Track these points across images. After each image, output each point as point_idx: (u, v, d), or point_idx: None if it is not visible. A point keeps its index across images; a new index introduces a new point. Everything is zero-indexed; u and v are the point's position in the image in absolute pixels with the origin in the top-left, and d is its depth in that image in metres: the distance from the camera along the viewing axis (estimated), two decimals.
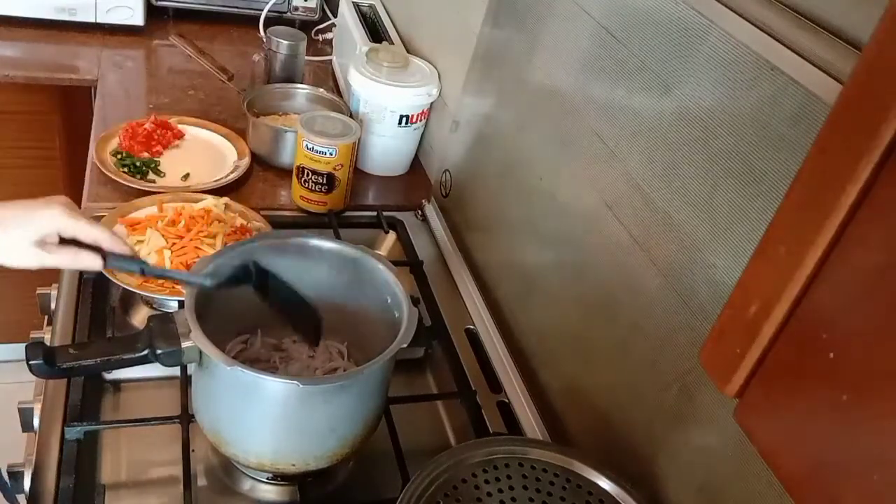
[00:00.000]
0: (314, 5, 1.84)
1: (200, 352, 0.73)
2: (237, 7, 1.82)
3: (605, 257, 0.85)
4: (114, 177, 1.21)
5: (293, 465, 0.79)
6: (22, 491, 0.82)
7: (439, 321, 1.09)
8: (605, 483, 0.73)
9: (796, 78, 0.60)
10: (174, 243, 1.04)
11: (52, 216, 0.74)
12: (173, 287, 1.00)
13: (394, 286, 0.85)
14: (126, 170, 1.24)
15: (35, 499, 0.78)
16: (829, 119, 0.33)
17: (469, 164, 1.23)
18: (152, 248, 1.02)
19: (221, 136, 1.39)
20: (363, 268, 0.88)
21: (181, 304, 0.76)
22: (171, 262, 1.01)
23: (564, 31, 0.94)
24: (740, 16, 0.65)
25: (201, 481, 0.86)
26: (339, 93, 1.63)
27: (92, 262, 0.76)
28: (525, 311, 1.04)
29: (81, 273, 1.04)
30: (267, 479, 0.86)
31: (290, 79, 1.52)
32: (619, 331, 0.83)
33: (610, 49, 0.84)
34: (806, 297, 0.34)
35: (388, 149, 1.41)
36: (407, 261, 1.20)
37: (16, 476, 0.82)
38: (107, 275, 0.98)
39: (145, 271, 0.80)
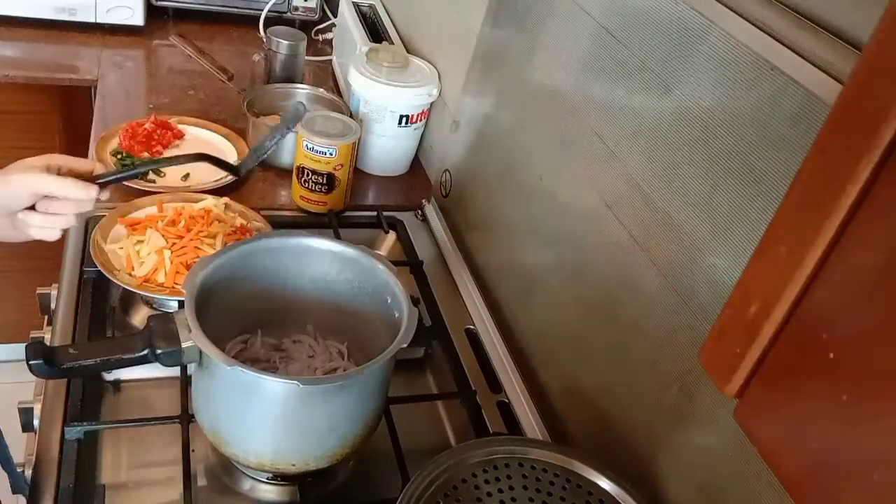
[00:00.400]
0: (314, 5, 1.84)
1: (200, 352, 0.73)
2: (237, 7, 1.82)
3: (605, 257, 0.85)
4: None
5: (293, 465, 0.79)
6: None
7: (439, 321, 1.09)
8: (605, 483, 0.73)
9: (796, 78, 0.60)
10: (174, 243, 1.04)
11: (27, 186, 0.75)
12: (173, 287, 1.00)
13: (394, 286, 0.85)
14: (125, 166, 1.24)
15: (35, 499, 0.78)
16: (829, 119, 0.33)
17: (469, 164, 1.23)
18: (152, 248, 1.02)
19: (221, 136, 1.39)
20: (363, 268, 0.88)
21: (181, 304, 0.76)
22: (171, 262, 1.01)
23: (564, 31, 0.94)
24: (740, 16, 0.65)
25: (201, 481, 0.86)
26: (339, 93, 1.63)
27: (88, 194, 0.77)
28: (525, 311, 1.04)
29: (81, 273, 1.04)
30: (267, 479, 0.86)
31: (290, 79, 1.52)
32: (619, 331, 0.83)
33: (610, 49, 0.84)
34: (806, 297, 0.34)
35: (388, 149, 1.41)
36: (407, 261, 1.20)
37: None
38: (106, 274, 0.98)
39: (135, 164, 0.97)
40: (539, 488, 0.71)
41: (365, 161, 1.41)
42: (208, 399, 0.80)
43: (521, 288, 1.06)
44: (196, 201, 1.14)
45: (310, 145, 1.19)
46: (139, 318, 1.04)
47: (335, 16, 1.80)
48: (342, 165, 1.21)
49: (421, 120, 1.39)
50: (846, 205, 0.32)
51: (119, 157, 1.27)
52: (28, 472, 0.81)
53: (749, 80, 0.65)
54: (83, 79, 1.59)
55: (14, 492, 0.86)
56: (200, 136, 1.39)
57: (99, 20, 1.69)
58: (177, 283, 1.00)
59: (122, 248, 1.04)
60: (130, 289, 0.98)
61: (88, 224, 1.11)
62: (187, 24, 1.82)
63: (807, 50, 0.59)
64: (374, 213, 1.29)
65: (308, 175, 1.22)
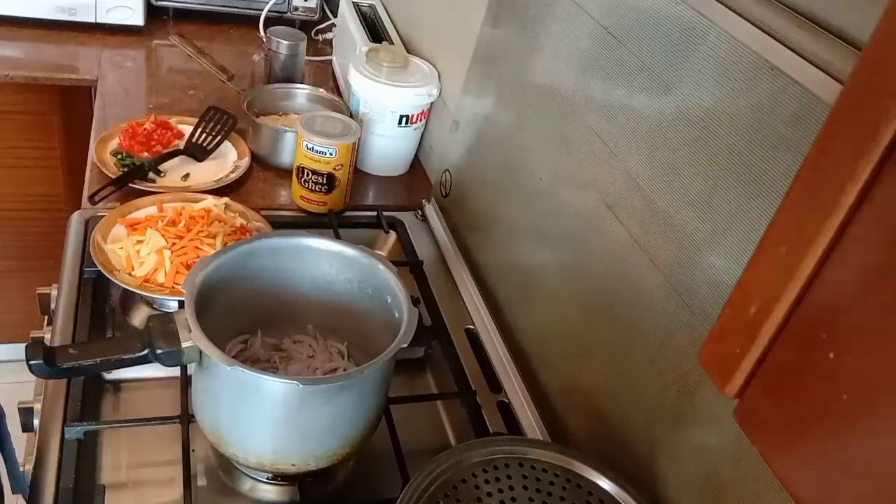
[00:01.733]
0: (314, 5, 1.84)
1: (200, 352, 0.73)
2: (237, 7, 1.82)
3: (605, 257, 0.85)
4: (114, 177, 1.21)
5: (293, 465, 0.79)
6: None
7: (439, 321, 1.09)
8: (605, 483, 0.73)
9: (796, 78, 0.60)
10: (174, 243, 1.04)
11: None
12: (173, 287, 1.00)
13: (394, 286, 0.85)
14: (126, 170, 1.24)
15: (35, 499, 0.78)
16: (829, 119, 0.33)
17: (469, 164, 1.23)
18: (152, 248, 1.02)
19: None
20: (363, 268, 0.88)
21: (181, 304, 0.76)
22: (171, 262, 1.01)
23: (564, 31, 0.94)
24: (740, 16, 0.65)
25: (201, 481, 0.86)
26: (339, 93, 1.63)
27: None
28: (525, 311, 1.04)
29: (81, 273, 1.04)
30: (267, 479, 0.86)
31: (290, 79, 1.52)
32: (619, 331, 0.83)
33: (610, 49, 0.84)
34: (806, 297, 0.34)
35: (388, 149, 1.41)
36: (407, 261, 1.20)
37: None
38: (106, 274, 0.98)
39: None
40: (539, 488, 0.71)
41: (365, 161, 1.41)
42: (208, 399, 0.80)
43: (522, 288, 1.06)
44: (196, 201, 1.14)
45: (310, 145, 1.19)
46: (139, 318, 1.04)
47: (335, 16, 1.80)
48: (342, 165, 1.21)
49: (421, 120, 1.39)
50: (846, 205, 0.32)
51: (119, 157, 1.26)
52: (28, 473, 0.81)
53: (749, 80, 0.65)
54: (83, 79, 1.59)
55: (14, 492, 0.86)
56: None
57: (99, 20, 1.68)
58: (177, 283, 1.00)
59: (122, 248, 1.04)
60: (130, 289, 0.98)
61: (88, 224, 1.11)
62: (187, 24, 1.82)
63: (807, 50, 0.59)
64: (374, 213, 1.29)
65: (308, 175, 1.22)
